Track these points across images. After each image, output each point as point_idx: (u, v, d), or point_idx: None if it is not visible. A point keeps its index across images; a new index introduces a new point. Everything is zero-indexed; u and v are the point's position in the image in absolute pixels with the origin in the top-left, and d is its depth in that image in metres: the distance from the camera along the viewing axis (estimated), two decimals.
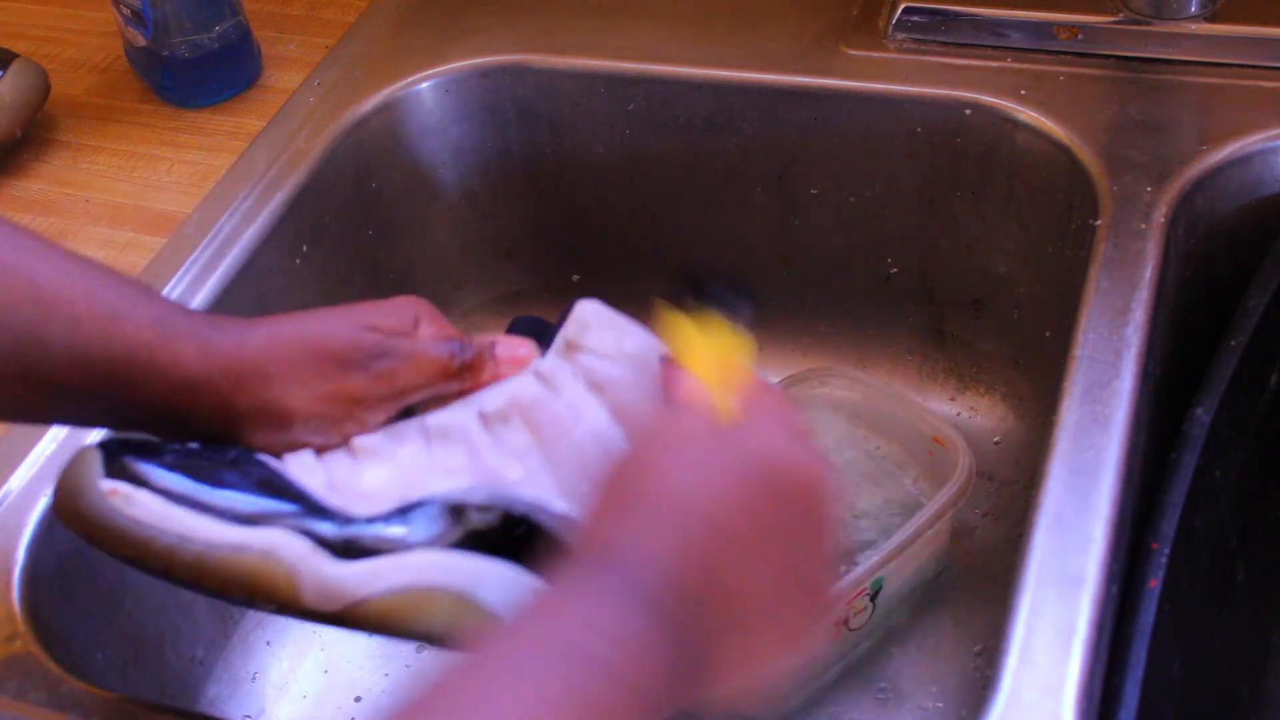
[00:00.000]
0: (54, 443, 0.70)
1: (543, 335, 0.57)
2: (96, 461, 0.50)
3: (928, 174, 0.87)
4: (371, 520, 0.52)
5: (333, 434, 0.54)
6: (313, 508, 0.51)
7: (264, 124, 0.90)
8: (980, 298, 0.92)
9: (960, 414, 0.93)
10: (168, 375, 0.52)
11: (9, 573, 0.65)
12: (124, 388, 0.52)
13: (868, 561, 0.74)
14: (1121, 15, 0.87)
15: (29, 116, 0.91)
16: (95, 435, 0.67)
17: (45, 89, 0.92)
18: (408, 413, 0.56)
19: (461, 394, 0.55)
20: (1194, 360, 0.71)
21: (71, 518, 0.50)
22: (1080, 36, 0.87)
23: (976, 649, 0.80)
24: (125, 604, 0.73)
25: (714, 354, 0.54)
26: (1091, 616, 0.57)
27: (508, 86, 0.92)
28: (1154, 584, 0.60)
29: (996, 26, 0.88)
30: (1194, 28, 0.86)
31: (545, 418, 0.54)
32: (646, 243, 0.97)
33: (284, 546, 0.50)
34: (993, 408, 0.93)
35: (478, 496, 0.53)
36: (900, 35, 0.89)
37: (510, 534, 0.53)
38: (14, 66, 0.90)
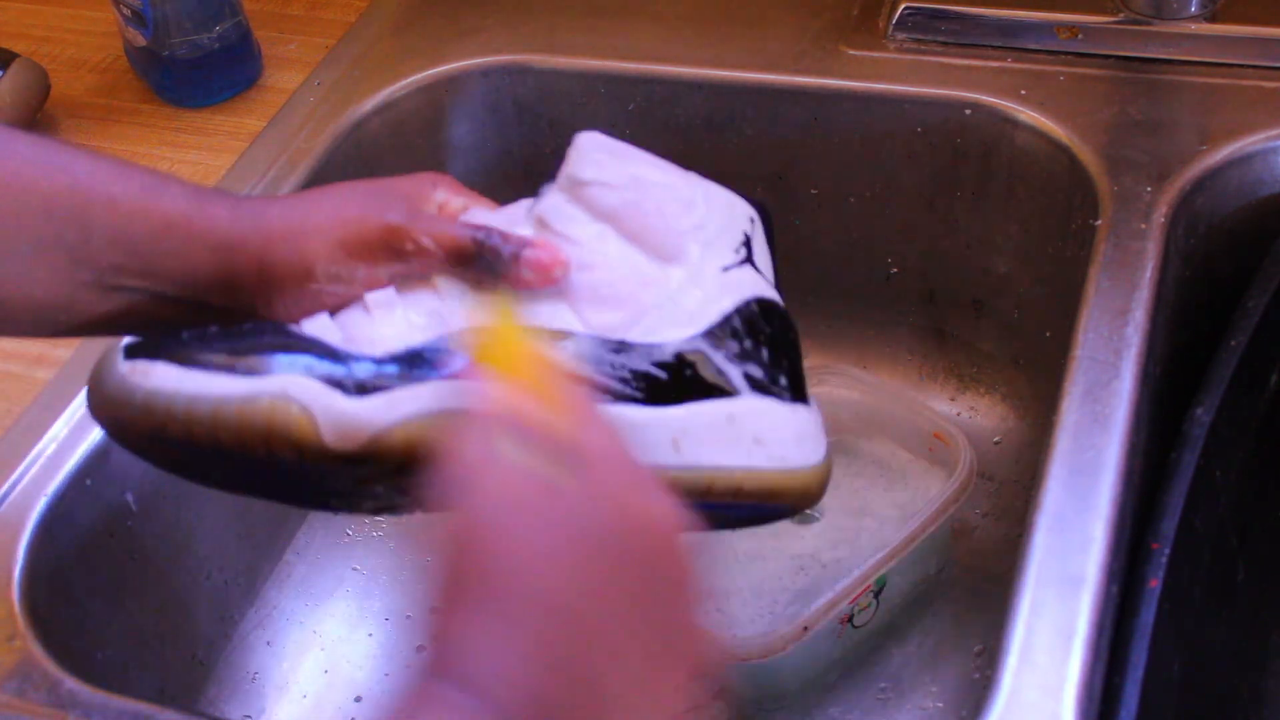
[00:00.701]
0: (54, 443, 0.70)
1: None
2: (118, 351, 0.52)
3: (928, 174, 0.87)
4: (384, 359, 0.51)
5: (352, 285, 0.54)
6: (325, 352, 0.51)
7: (264, 124, 0.90)
8: (980, 298, 0.92)
9: (960, 414, 0.93)
10: (206, 239, 0.53)
11: (9, 573, 0.65)
12: (166, 258, 0.53)
13: (873, 559, 0.74)
14: (1121, 15, 0.87)
15: (29, 116, 0.91)
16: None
17: (45, 89, 0.92)
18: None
19: (477, 281, 0.54)
20: (1194, 360, 0.71)
21: (99, 407, 0.51)
22: (1080, 36, 0.87)
23: (976, 649, 0.80)
24: (125, 604, 0.73)
25: (538, 365, 0.50)
26: (1091, 616, 0.57)
27: (508, 86, 0.92)
28: (1154, 584, 0.60)
29: (996, 26, 0.88)
30: (1194, 28, 0.86)
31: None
32: None
33: (296, 387, 0.50)
34: (993, 408, 0.93)
35: None
36: (900, 35, 0.89)
37: None
38: (14, 66, 0.90)
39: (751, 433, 0.54)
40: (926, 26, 0.89)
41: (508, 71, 0.92)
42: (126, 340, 0.53)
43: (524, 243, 0.53)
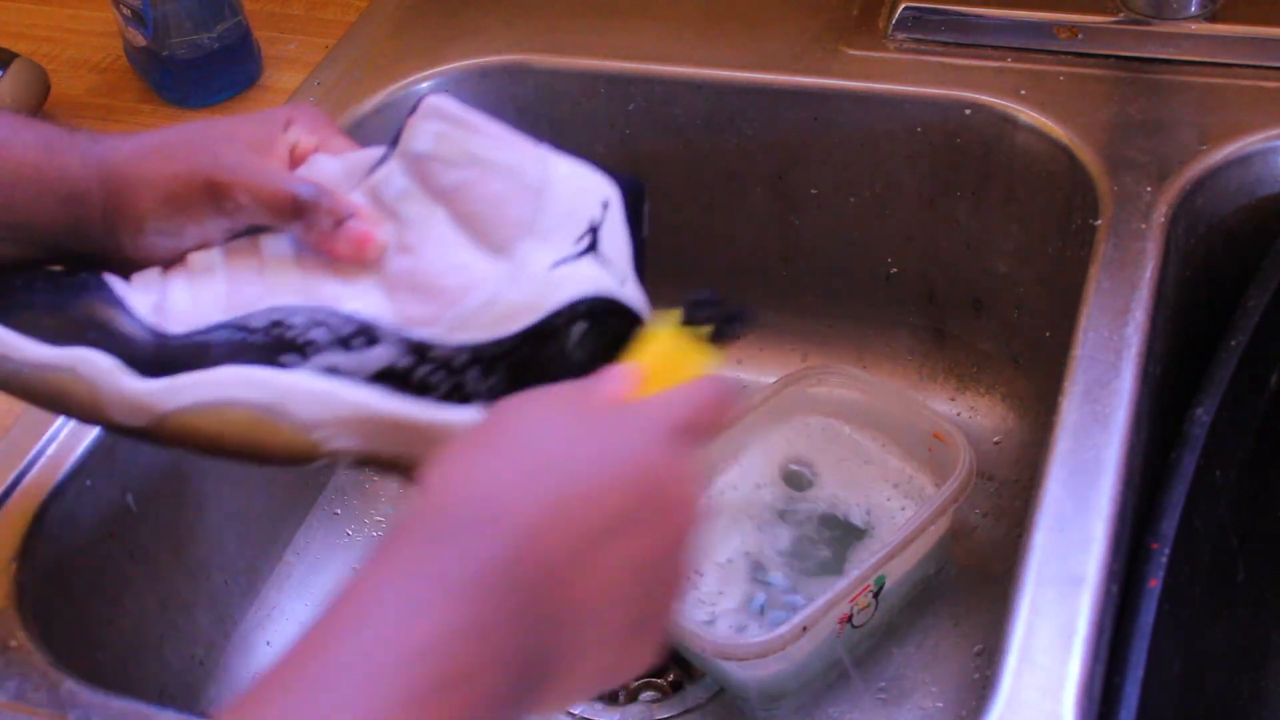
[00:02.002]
0: (54, 443, 0.70)
1: None
2: None
3: (928, 174, 0.87)
4: (183, 336, 0.52)
5: (180, 238, 0.54)
6: (127, 326, 0.52)
7: None
8: (980, 298, 0.92)
9: (960, 414, 0.93)
10: (56, 190, 0.53)
11: (9, 573, 0.65)
12: (17, 212, 0.53)
13: (872, 559, 0.74)
14: (1121, 15, 0.87)
15: (29, 116, 0.91)
16: None
17: (45, 89, 0.92)
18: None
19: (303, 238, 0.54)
20: (1194, 360, 0.71)
21: None
22: (1080, 36, 0.87)
23: (976, 649, 0.80)
24: (125, 604, 0.73)
25: (672, 358, 0.51)
26: (1091, 616, 0.57)
27: (508, 86, 0.92)
28: (1154, 584, 0.60)
29: (996, 26, 0.88)
30: (1194, 28, 0.86)
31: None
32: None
33: (86, 363, 0.51)
34: (993, 408, 0.93)
35: (298, 316, 0.52)
36: (900, 35, 0.89)
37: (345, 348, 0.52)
38: (14, 66, 0.90)
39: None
40: (926, 26, 0.89)
41: (508, 71, 0.92)
42: None
43: (348, 212, 0.53)
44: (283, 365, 0.52)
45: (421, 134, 0.52)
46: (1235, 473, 0.71)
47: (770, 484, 0.84)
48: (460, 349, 0.52)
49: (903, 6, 0.90)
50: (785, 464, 0.85)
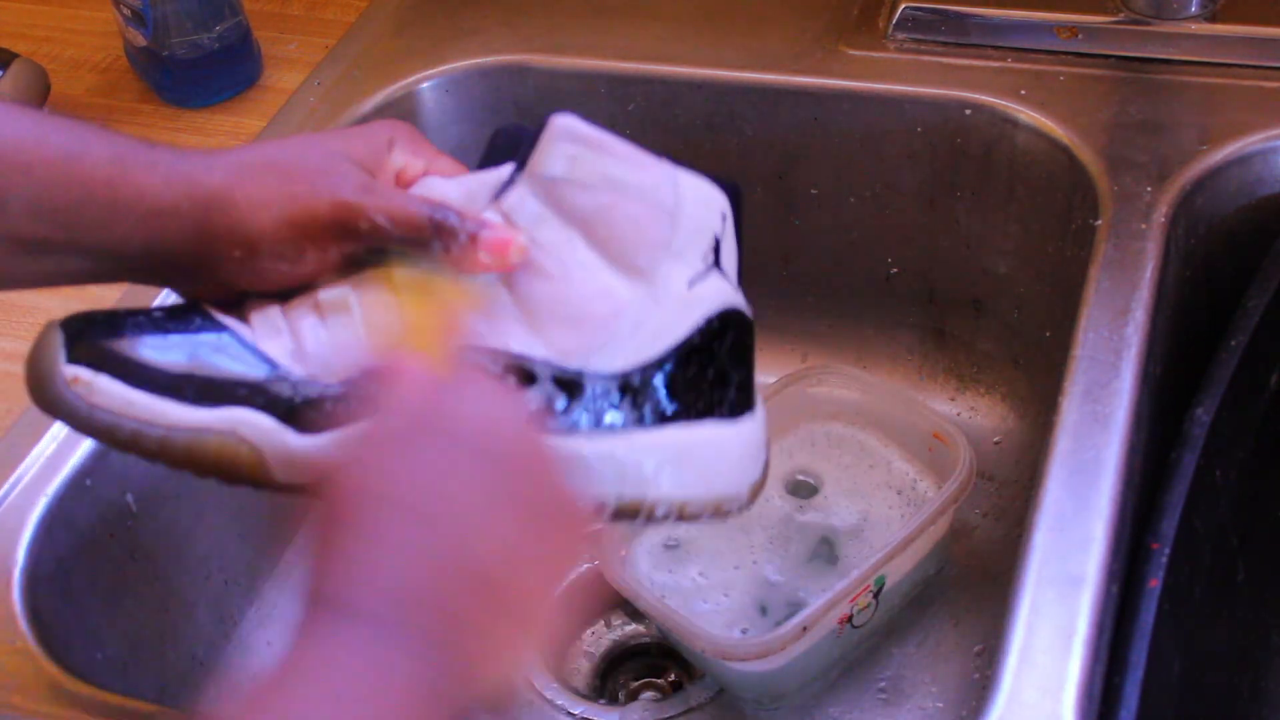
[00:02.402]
0: (54, 442, 0.70)
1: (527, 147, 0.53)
2: (58, 344, 0.50)
3: (928, 174, 0.87)
4: (335, 389, 0.50)
5: (297, 263, 0.51)
6: (276, 379, 0.50)
7: (264, 124, 0.90)
8: (980, 298, 0.92)
9: (960, 414, 0.93)
10: (133, 209, 0.50)
11: (9, 573, 0.65)
12: (91, 230, 0.50)
13: (872, 559, 0.74)
14: (1121, 15, 0.87)
15: None
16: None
17: (45, 89, 0.92)
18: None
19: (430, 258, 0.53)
20: (1194, 360, 0.71)
21: (40, 403, 0.50)
22: (1080, 36, 0.87)
23: (976, 649, 0.80)
24: (125, 604, 0.73)
25: (435, 315, 0.50)
26: (1091, 616, 0.57)
27: (508, 86, 0.92)
28: (1154, 584, 0.60)
29: (996, 26, 0.88)
30: (1194, 28, 0.86)
31: (519, 267, 0.51)
32: None
33: (246, 425, 0.49)
34: (993, 408, 0.93)
35: None
36: (900, 35, 0.89)
37: None
38: (14, 66, 0.90)
39: (696, 462, 0.53)
40: (926, 26, 0.89)
41: (507, 71, 0.92)
42: (63, 321, 0.51)
43: (480, 223, 0.51)
44: None
45: (555, 156, 0.51)
46: (1235, 473, 0.71)
47: (776, 496, 0.84)
48: (612, 376, 0.51)
49: (903, 6, 0.90)
50: (789, 476, 0.85)
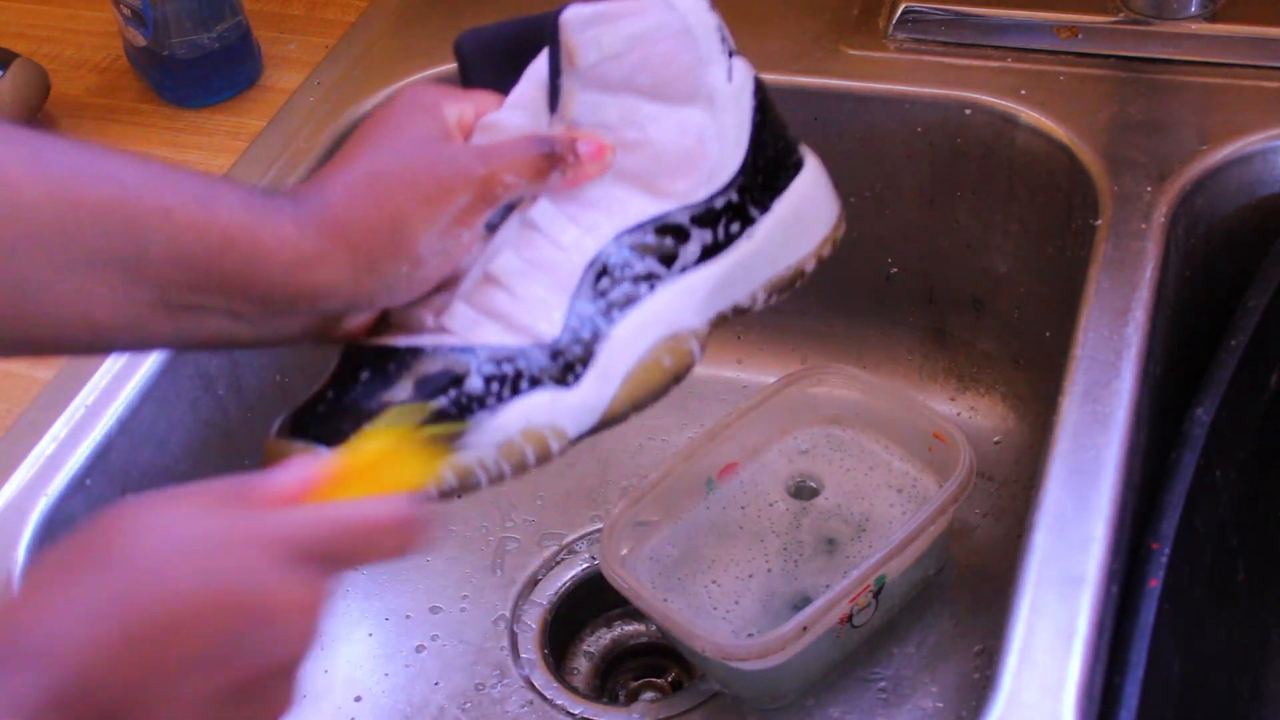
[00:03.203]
0: (54, 443, 0.70)
1: (529, 43, 0.57)
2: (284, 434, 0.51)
3: (928, 174, 0.87)
4: (565, 335, 0.53)
5: (456, 251, 0.52)
6: (517, 357, 0.52)
7: (264, 124, 0.90)
8: (980, 298, 0.92)
9: (960, 414, 0.93)
10: (278, 256, 0.49)
11: (9, 573, 0.65)
12: (234, 276, 0.49)
13: (872, 559, 0.74)
14: (1121, 15, 0.87)
15: (29, 116, 0.91)
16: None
17: (45, 89, 0.92)
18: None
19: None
20: (1194, 360, 0.71)
21: None
22: (1080, 36, 0.87)
23: (976, 649, 0.80)
24: None
25: (388, 461, 0.48)
26: (1091, 616, 0.57)
27: None
28: (1154, 584, 0.60)
29: (996, 26, 0.88)
30: (1194, 28, 0.86)
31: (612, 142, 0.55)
32: None
33: (532, 409, 0.52)
34: (993, 408, 0.93)
35: (613, 255, 0.55)
36: (900, 35, 0.89)
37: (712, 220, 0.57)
38: (14, 66, 0.90)
39: (808, 215, 0.61)
40: (926, 26, 0.89)
41: None
42: (279, 425, 0.51)
43: (572, 141, 0.54)
44: (648, 291, 0.55)
45: (584, 47, 0.54)
46: (1235, 473, 0.71)
47: (780, 499, 0.84)
48: (728, 187, 0.57)
49: (903, 6, 0.90)
50: (790, 477, 0.85)
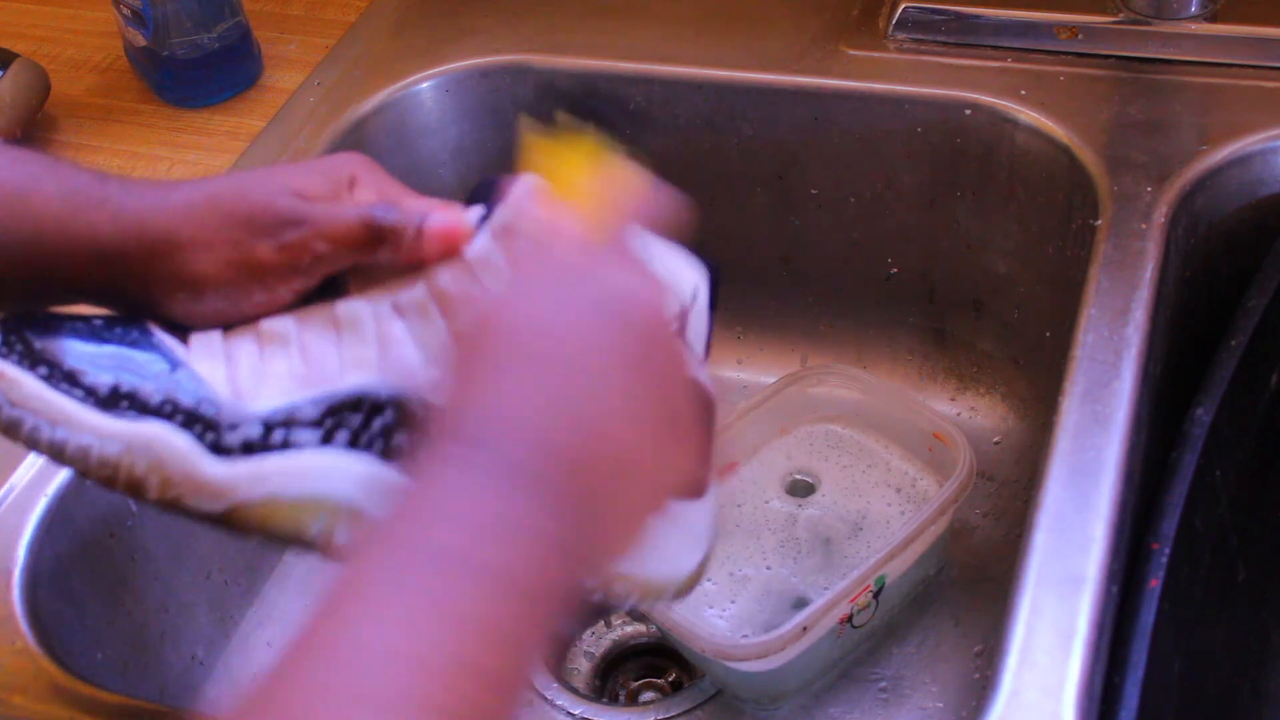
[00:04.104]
0: None
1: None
2: None
3: (928, 174, 0.87)
4: (264, 416, 0.49)
5: (243, 303, 0.51)
6: (201, 401, 0.49)
7: (264, 124, 0.90)
8: (980, 298, 0.92)
9: (960, 414, 0.93)
10: (84, 249, 0.50)
11: (9, 573, 0.65)
12: (40, 266, 0.50)
13: (871, 559, 0.74)
14: (1121, 15, 0.87)
15: (29, 116, 0.91)
16: None
17: (45, 89, 0.92)
18: (334, 284, 0.52)
19: (396, 268, 0.51)
20: (1194, 360, 0.71)
21: None
22: (1080, 36, 0.87)
23: (976, 649, 0.80)
24: (125, 604, 0.73)
25: (578, 175, 0.51)
26: (1091, 616, 0.57)
27: (508, 86, 0.92)
28: (1154, 584, 0.60)
29: (996, 26, 0.88)
30: (1194, 28, 0.86)
31: (466, 309, 0.50)
32: None
33: (162, 443, 0.48)
34: (993, 408, 0.93)
35: (382, 392, 0.50)
36: (900, 35, 0.89)
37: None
38: (14, 66, 0.90)
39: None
40: (926, 26, 0.89)
41: (508, 71, 0.92)
42: (2, 319, 0.50)
43: (423, 213, 0.51)
44: (368, 449, 0.50)
45: (518, 210, 0.51)
46: (1235, 473, 0.71)
47: (776, 498, 0.84)
48: None
49: (903, 6, 0.90)
50: (788, 476, 0.85)
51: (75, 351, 0.49)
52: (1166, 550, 0.61)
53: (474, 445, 0.41)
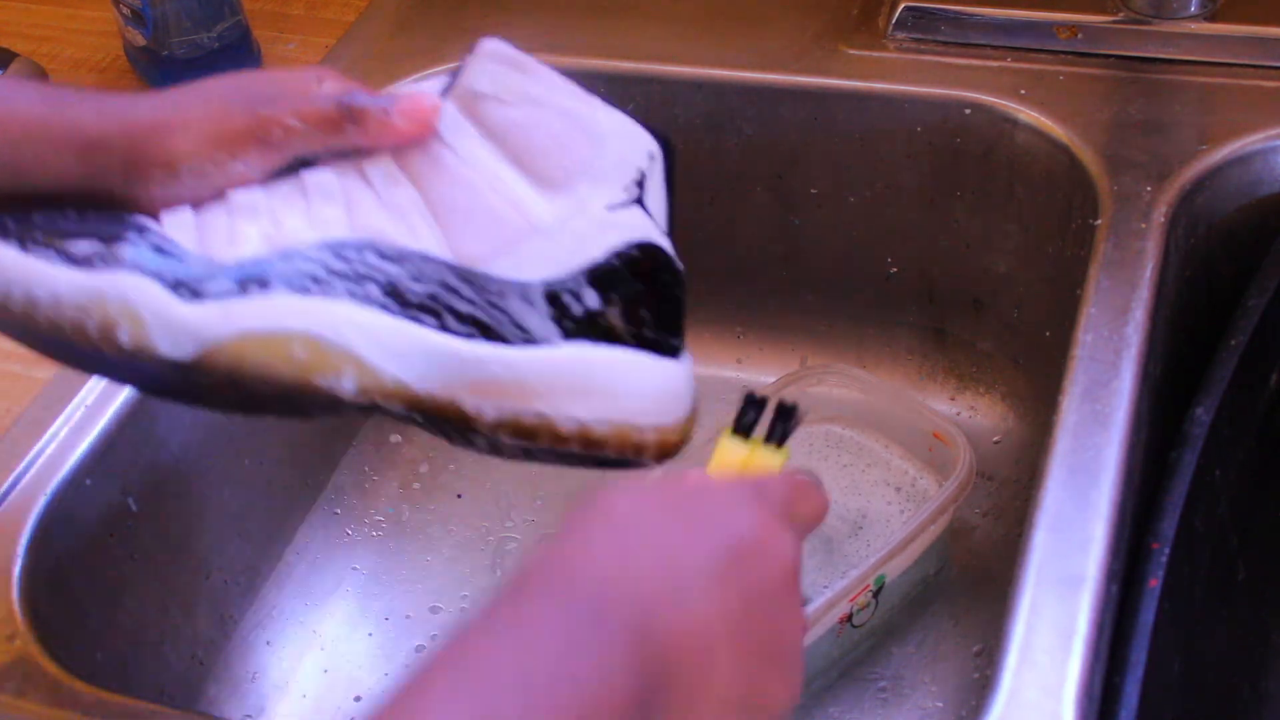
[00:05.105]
0: (54, 443, 0.70)
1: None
2: None
3: (928, 174, 0.87)
4: (232, 265, 0.50)
5: (217, 178, 0.52)
6: (169, 251, 0.50)
7: None
8: (980, 298, 0.92)
9: (960, 413, 0.93)
10: (68, 141, 0.52)
11: (9, 573, 0.65)
12: (27, 163, 0.52)
13: (871, 558, 0.74)
14: (1121, 15, 0.87)
15: None
16: None
17: None
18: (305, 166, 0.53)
19: (358, 152, 0.53)
20: (1194, 360, 0.71)
21: None
22: (1080, 36, 0.87)
23: (976, 649, 0.80)
24: (125, 604, 0.73)
25: (745, 462, 0.54)
26: (1091, 616, 0.57)
27: None
28: (1154, 584, 0.60)
29: (996, 26, 0.88)
30: (1194, 28, 0.86)
31: (432, 171, 0.51)
32: None
33: (134, 289, 0.48)
34: (993, 407, 0.93)
35: (350, 244, 0.50)
36: (900, 35, 0.89)
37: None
38: (14, 66, 0.90)
39: (609, 384, 0.52)
40: (926, 26, 0.89)
41: None
42: None
43: (392, 97, 0.52)
44: (336, 295, 0.50)
45: (479, 74, 0.52)
46: (1235, 472, 0.71)
47: None
48: (517, 284, 0.51)
49: (903, 6, 0.90)
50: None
51: (50, 226, 0.50)
52: (1166, 550, 0.61)
53: (571, 587, 0.42)
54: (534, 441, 0.52)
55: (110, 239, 0.50)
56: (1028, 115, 0.82)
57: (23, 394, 0.73)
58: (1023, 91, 0.83)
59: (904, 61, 0.87)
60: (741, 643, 0.45)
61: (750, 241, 0.94)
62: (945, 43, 0.88)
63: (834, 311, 0.96)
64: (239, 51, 0.93)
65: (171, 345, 0.48)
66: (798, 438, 0.86)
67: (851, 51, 0.88)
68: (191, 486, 0.78)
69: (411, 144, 0.52)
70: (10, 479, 0.69)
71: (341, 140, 0.52)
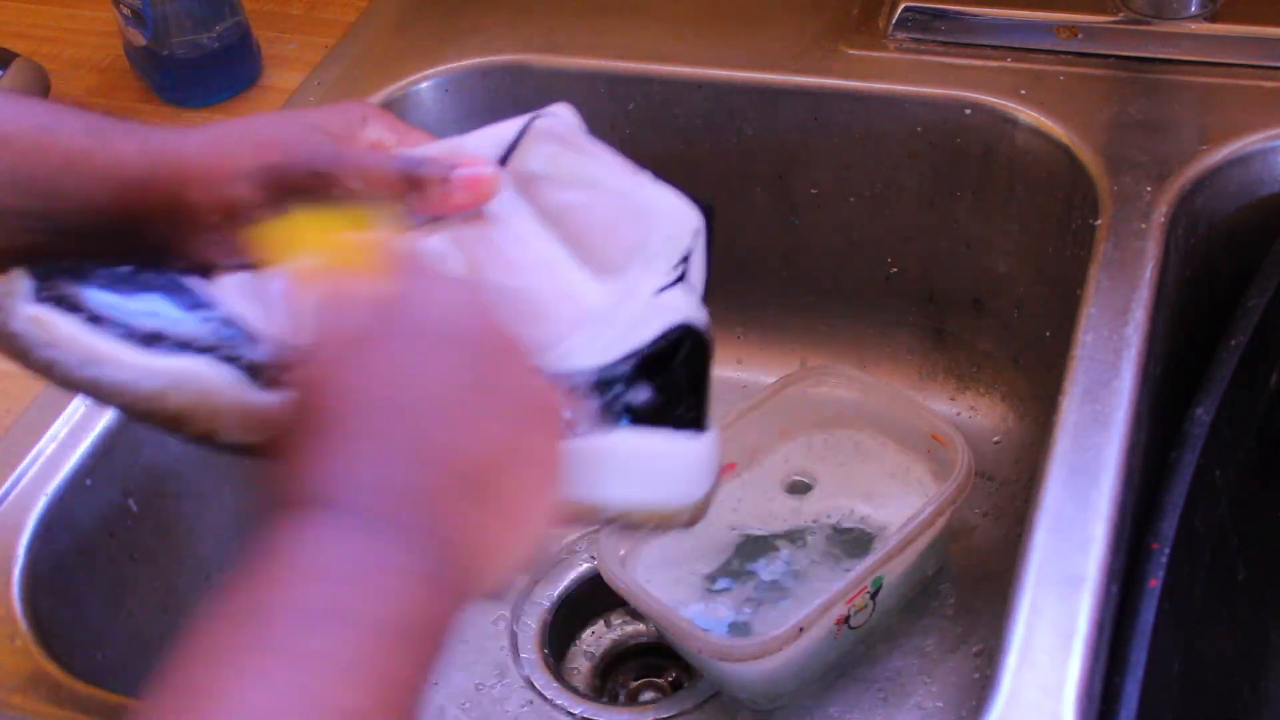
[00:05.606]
0: (54, 442, 0.70)
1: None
2: (25, 284, 0.48)
3: (928, 174, 0.87)
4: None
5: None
6: (239, 333, 0.49)
7: None
8: (980, 298, 0.92)
9: (960, 414, 0.93)
10: (110, 178, 0.50)
11: (9, 573, 0.65)
12: (67, 198, 0.50)
13: (869, 560, 0.74)
14: (1121, 15, 0.87)
15: None
16: None
17: (45, 89, 0.92)
18: None
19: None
20: (1194, 360, 0.71)
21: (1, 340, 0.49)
22: (1080, 36, 0.87)
23: (976, 649, 0.80)
24: (125, 604, 0.73)
25: (336, 237, 0.50)
26: (1091, 616, 0.57)
27: (508, 86, 0.92)
28: (1154, 584, 0.60)
29: (996, 26, 0.88)
30: (1194, 28, 0.86)
31: (487, 255, 0.51)
32: None
33: (205, 377, 0.48)
34: (993, 407, 0.93)
35: None
36: (900, 35, 0.89)
37: None
38: (14, 66, 0.90)
39: (647, 469, 0.52)
40: (926, 26, 0.89)
41: (507, 71, 0.92)
42: (31, 275, 0.49)
43: (452, 165, 0.52)
44: None
45: (535, 155, 0.52)
46: (1235, 472, 0.71)
47: (775, 499, 0.84)
48: (566, 374, 0.51)
49: (903, 6, 0.90)
50: (788, 477, 0.85)
51: (108, 296, 0.49)
52: (1166, 550, 0.61)
53: (325, 507, 0.41)
54: (581, 521, 0.53)
55: (172, 313, 0.49)
56: (1028, 115, 0.82)
57: (23, 394, 0.73)
58: (1023, 91, 0.83)
59: (904, 61, 0.87)
60: (490, 438, 0.44)
61: (750, 241, 0.94)
62: (945, 43, 0.88)
63: (834, 311, 0.96)
64: (239, 51, 0.93)
65: (242, 434, 0.49)
66: (797, 439, 0.86)
67: (852, 51, 0.88)
68: (191, 487, 0.78)
69: (467, 214, 0.52)
70: (10, 479, 0.69)
71: (398, 203, 0.52)
